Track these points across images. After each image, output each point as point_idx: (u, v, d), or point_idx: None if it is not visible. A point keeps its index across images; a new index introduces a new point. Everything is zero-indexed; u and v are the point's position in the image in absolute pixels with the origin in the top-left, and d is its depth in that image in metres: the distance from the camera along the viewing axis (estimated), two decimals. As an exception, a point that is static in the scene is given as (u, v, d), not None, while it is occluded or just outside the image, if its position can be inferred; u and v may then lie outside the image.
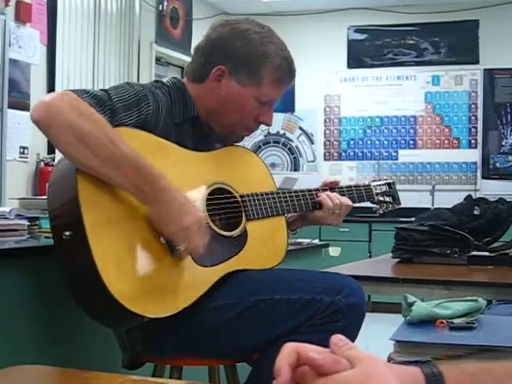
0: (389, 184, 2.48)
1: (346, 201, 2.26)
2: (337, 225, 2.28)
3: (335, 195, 2.25)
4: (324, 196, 2.24)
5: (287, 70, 2.15)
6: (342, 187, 2.32)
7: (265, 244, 2.13)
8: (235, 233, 2.06)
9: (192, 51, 2.23)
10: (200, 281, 1.93)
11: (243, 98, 2.10)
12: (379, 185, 2.46)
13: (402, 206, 2.54)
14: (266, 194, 2.16)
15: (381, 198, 2.44)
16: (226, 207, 2.08)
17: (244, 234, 2.08)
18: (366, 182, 2.45)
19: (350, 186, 2.33)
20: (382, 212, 2.48)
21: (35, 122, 1.76)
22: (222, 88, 2.10)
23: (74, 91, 1.83)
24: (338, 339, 0.86)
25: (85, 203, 1.73)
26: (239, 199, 2.10)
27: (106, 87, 1.97)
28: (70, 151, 1.76)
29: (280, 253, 2.16)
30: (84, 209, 1.73)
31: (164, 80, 2.17)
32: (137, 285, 1.79)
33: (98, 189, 1.79)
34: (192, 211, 1.83)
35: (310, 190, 2.27)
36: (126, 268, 1.78)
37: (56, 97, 1.79)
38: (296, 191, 2.23)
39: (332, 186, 2.31)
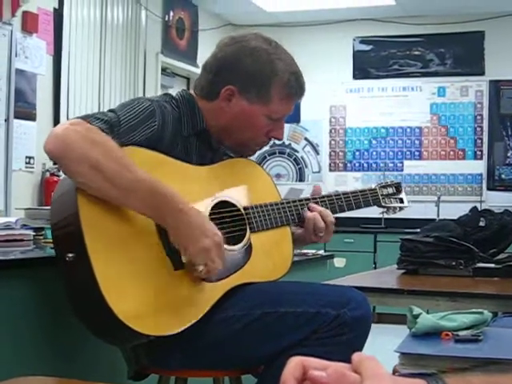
0: (396, 186, 2.45)
1: (331, 220, 2.19)
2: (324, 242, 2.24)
3: (321, 216, 2.18)
4: (310, 216, 2.18)
5: (296, 85, 2.15)
6: (347, 193, 2.29)
7: (270, 256, 2.12)
8: (240, 246, 2.05)
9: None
10: (206, 297, 1.92)
11: (254, 116, 2.12)
12: (385, 187, 2.42)
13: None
14: (270, 204, 2.14)
15: (388, 202, 2.40)
16: (230, 220, 2.07)
17: (249, 246, 2.07)
18: (373, 186, 2.43)
19: (356, 192, 2.30)
20: (389, 215, 2.44)
21: (48, 153, 1.78)
22: (232, 107, 2.11)
23: (84, 118, 1.84)
24: (357, 356, 0.86)
25: (86, 224, 1.74)
26: (243, 212, 2.10)
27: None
28: (85, 181, 1.77)
29: (286, 264, 2.15)
30: (86, 230, 1.73)
31: (173, 93, 2.17)
32: (141, 304, 1.79)
33: (98, 208, 1.79)
34: (210, 232, 1.84)
35: (314, 198, 2.23)
36: (129, 288, 1.78)
37: (68, 127, 1.79)
38: (301, 200, 2.21)
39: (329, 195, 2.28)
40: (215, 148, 2.17)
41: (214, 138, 2.15)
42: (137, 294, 1.79)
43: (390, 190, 2.42)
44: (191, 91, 2.20)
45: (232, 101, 2.11)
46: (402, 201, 2.44)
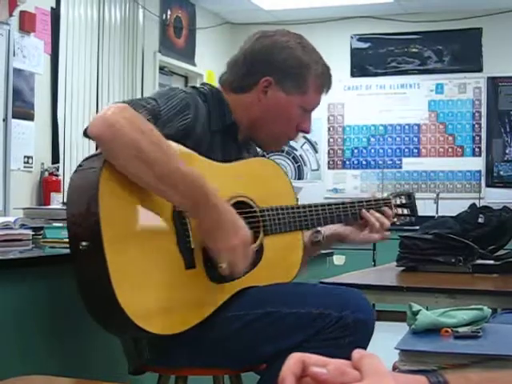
0: (409, 195, 2.45)
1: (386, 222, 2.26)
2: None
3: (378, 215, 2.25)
4: (366, 213, 2.24)
5: (328, 78, 2.22)
6: (361, 200, 2.28)
7: (279, 261, 2.12)
8: (252, 248, 2.05)
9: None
10: (213, 297, 1.93)
11: (290, 107, 2.15)
12: (399, 196, 2.42)
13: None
14: (286, 208, 2.12)
15: (399, 211, 2.40)
16: (246, 222, 2.06)
17: (260, 249, 2.06)
18: (385, 195, 2.42)
19: (370, 200, 2.30)
20: (397, 223, 2.45)
21: (95, 137, 1.77)
22: (269, 98, 2.14)
23: (130, 104, 1.84)
24: (357, 353, 0.86)
25: (105, 214, 1.73)
26: (258, 213, 2.09)
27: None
28: (128, 167, 1.77)
29: (292, 271, 2.14)
30: (103, 220, 1.72)
31: (198, 86, 2.18)
32: (149, 301, 1.79)
33: (119, 201, 1.79)
34: (241, 232, 1.86)
35: (329, 205, 2.23)
36: (140, 283, 1.78)
37: (116, 112, 1.79)
38: (316, 205, 2.21)
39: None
40: (241, 143, 2.18)
41: (241, 132, 2.16)
42: (147, 291, 1.79)
43: (404, 200, 2.42)
44: (219, 87, 2.20)
45: (268, 92, 2.13)
46: (412, 210, 2.44)
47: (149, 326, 1.75)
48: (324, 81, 2.20)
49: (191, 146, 1.96)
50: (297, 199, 2.23)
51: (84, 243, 1.74)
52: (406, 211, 2.42)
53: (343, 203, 2.25)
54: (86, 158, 1.88)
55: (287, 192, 2.22)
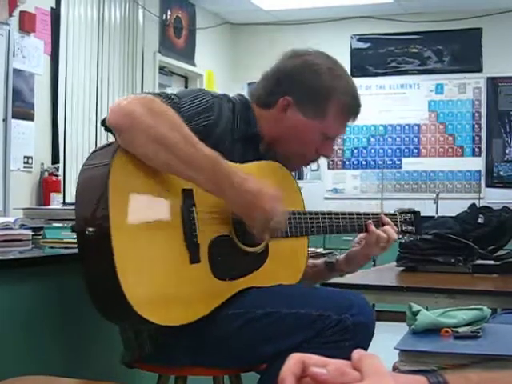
0: (414, 213, 2.45)
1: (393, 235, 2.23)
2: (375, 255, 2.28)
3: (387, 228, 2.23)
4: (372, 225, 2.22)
5: (353, 109, 2.19)
6: (368, 214, 2.28)
7: (283, 265, 2.12)
8: (257, 249, 2.04)
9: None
10: (215, 294, 1.93)
11: (307, 131, 2.14)
12: (405, 213, 2.42)
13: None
14: (294, 213, 2.12)
15: (404, 228, 2.40)
16: None
17: (265, 251, 2.06)
18: (392, 211, 2.41)
19: (377, 214, 2.29)
20: (401, 240, 2.45)
21: (113, 126, 1.78)
22: (287, 118, 2.13)
23: (150, 93, 1.86)
24: (357, 353, 0.86)
25: (114, 203, 1.73)
26: None
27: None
28: (149, 154, 1.78)
29: (296, 276, 2.14)
30: (112, 208, 1.72)
31: (231, 96, 2.18)
32: (153, 292, 1.79)
33: (129, 192, 1.79)
34: (266, 192, 1.88)
35: (336, 214, 2.22)
36: (144, 273, 1.78)
37: (132, 101, 1.80)
38: (323, 213, 2.20)
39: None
40: (262, 154, 2.17)
41: (263, 144, 2.16)
42: (151, 281, 1.79)
43: (408, 217, 2.42)
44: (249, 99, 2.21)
45: (287, 112, 2.13)
46: (417, 229, 2.43)
47: (151, 316, 1.75)
48: (349, 111, 2.18)
49: (209, 146, 1.97)
50: (304, 204, 2.23)
51: (91, 229, 1.73)
52: (410, 228, 2.42)
53: (351, 213, 2.25)
54: (97, 149, 1.89)
55: (296, 197, 2.22)
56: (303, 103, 2.13)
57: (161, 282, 1.82)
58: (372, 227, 2.22)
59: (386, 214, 2.32)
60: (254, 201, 1.86)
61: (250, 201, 1.86)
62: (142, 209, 1.82)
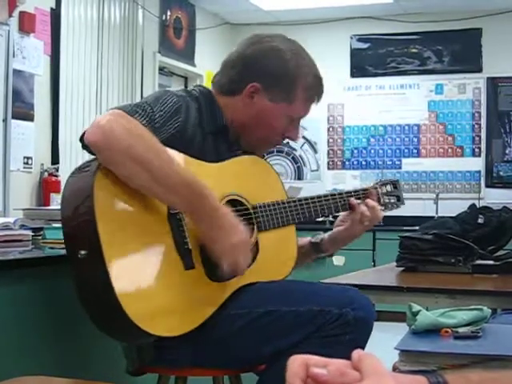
0: (393, 184, 2.46)
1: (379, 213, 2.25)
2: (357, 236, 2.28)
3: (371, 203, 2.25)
4: (354, 202, 2.23)
5: (318, 88, 2.20)
6: (349, 192, 2.29)
7: (275, 255, 2.13)
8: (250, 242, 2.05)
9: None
10: (214, 296, 1.94)
11: (275, 115, 2.15)
12: (385, 185, 2.43)
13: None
14: (278, 203, 2.14)
15: (386, 200, 2.41)
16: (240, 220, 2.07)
17: (255, 245, 2.07)
18: (371, 185, 2.43)
19: (358, 190, 2.30)
20: (386, 212, 2.45)
21: (91, 144, 1.78)
22: (254, 104, 2.14)
23: (124, 111, 1.85)
24: (357, 353, 0.86)
25: (101, 221, 1.73)
26: (251, 211, 2.10)
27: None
28: (127, 174, 1.79)
29: (290, 263, 2.16)
30: (100, 227, 1.73)
31: (190, 89, 2.18)
32: (152, 305, 1.80)
33: (114, 207, 1.80)
34: (240, 232, 1.89)
35: (319, 197, 2.23)
36: (141, 288, 1.79)
37: (111, 119, 1.80)
38: (306, 198, 2.22)
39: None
40: (232, 143, 2.18)
41: (231, 134, 2.16)
42: (149, 295, 1.80)
43: (389, 188, 2.43)
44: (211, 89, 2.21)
45: (254, 98, 2.13)
46: (398, 198, 2.45)
47: (154, 328, 1.76)
48: (314, 91, 2.19)
49: (182, 148, 1.97)
50: (286, 193, 2.24)
51: (83, 252, 1.74)
52: (392, 200, 2.43)
53: (332, 194, 2.26)
54: (78, 168, 1.89)
55: (277, 187, 2.23)
56: (270, 88, 2.13)
57: (160, 293, 1.82)
58: (355, 204, 2.23)
59: (367, 188, 2.33)
60: (226, 228, 1.86)
61: (223, 229, 1.86)
62: (131, 223, 1.83)
